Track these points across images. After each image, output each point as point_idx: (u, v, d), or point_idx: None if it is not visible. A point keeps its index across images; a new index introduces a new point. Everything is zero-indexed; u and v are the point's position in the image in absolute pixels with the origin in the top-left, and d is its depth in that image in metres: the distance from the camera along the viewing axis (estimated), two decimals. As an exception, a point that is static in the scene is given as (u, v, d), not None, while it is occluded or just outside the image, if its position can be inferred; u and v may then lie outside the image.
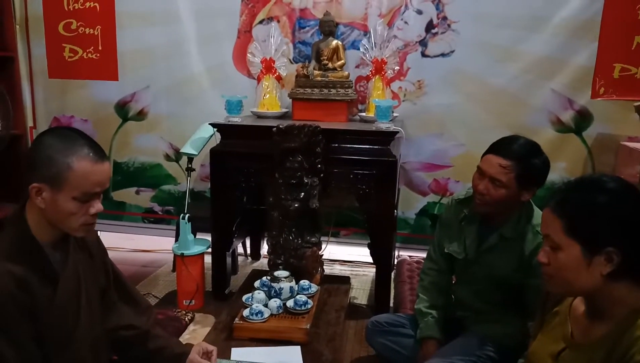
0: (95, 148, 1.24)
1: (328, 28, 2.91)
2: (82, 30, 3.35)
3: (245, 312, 2.00)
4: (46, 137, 1.24)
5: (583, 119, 2.96)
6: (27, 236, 1.24)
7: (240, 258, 3.34)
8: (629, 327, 1.02)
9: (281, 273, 2.20)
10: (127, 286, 1.56)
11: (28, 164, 1.23)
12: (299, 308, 2.04)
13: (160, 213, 3.53)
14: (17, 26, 3.38)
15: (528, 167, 1.65)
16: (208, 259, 2.79)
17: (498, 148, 1.71)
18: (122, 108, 3.41)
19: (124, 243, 3.59)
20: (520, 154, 1.66)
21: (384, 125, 2.55)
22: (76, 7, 3.31)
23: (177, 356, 1.52)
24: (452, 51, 3.01)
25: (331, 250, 3.22)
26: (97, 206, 1.26)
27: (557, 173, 2.95)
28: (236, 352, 1.82)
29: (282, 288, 2.13)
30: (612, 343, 1.04)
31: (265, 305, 2.05)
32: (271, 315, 2.01)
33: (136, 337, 1.49)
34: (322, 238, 2.61)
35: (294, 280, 2.19)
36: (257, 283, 2.24)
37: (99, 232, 3.63)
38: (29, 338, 1.20)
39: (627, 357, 1.00)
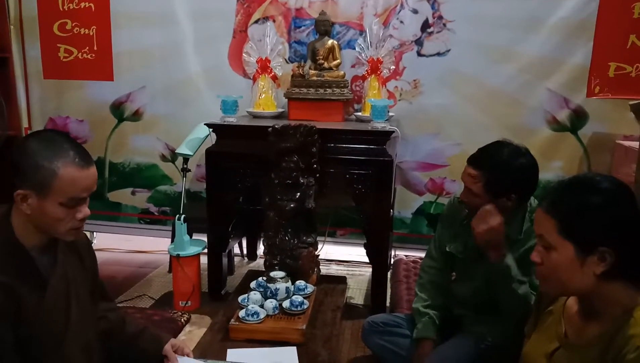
0: (81, 152, 1.22)
1: (324, 27, 2.91)
2: (77, 30, 3.33)
3: (241, 313, 1.99)
4: (30, 142, 1.22)
5: (579, 118, 2.97)
6: (11, 241, 1.22)
7: (236, 259, 3.34)
8: (622, 327, 1.02)
9: (277, 274, 2.20)
10: (103, 283, 1.56)
11: (12, 170, 1.21)
12: (295, 309, 2.04)
13: (156, 213, 3.52)
14: (12, 26, 3.36)
15: (496, 176, 1.63)
16: (204, 260, 2.79)
17: (472, 157, 1.71)
18: (117, 109, 3.40)
19: (119, 244, 3.59)
20: (489, 164, 1.65)
21: (379, 125, 2.55)
22: (71, 7, 3.30)
23: (157, 337, 1.54)
24: (448, 50, 3.01)
25: (327, 250, 3.22)
26: (85, 210, 1.25)
27: (553, 172, 2.96)
28: (232, 353, 1.82)
29: (278, 289, 2.12)
30: (606, 343, 1.04)
31: (261, 306, 2.04)
32: (267, 315, 2.01)
33: (112, 327, 1.50)
34: (319, 238, 2.61)
35: (290, 281, 2.19)
36: (253, 284, 2.24)
37: (94, 233, 3.63)
38: (9, 344, 1.18)
39: (620, 356, 1.00)
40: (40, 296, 1.25)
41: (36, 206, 1.19)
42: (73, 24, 3.33)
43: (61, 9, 3.31)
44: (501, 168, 1.64)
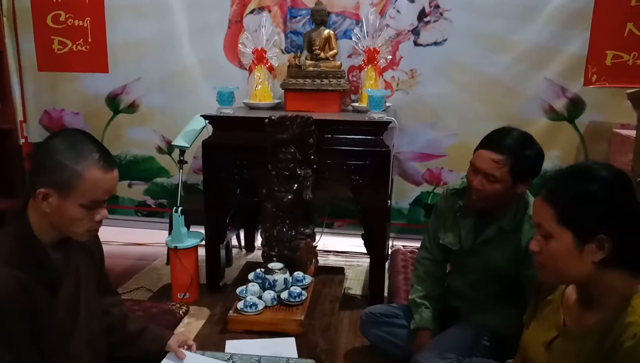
0: (105, 155, 1.23)
1: (320, 17, 2.89)
2: (71, 22, 3.31)
3: (240, 305, 1.99)
4: (55, 141, 1.21)
5: (576, 107, 2.96)
6: (30, 237, 1.22)
7: (234, 250, 3.33)
8: (620, 315, 1.03)
9: (275, 265, 2.20)
10: (108, 277, 1.56)
11: (35, 167, 1.22)
12: (293, 300, 2.04)
13: (153, 206, 3.51)
14: (5, 19, 3.33)
15: (521, 159, 1.64)
16: (202, 251, 2.78)
17: (490, 142, 1.69)
18: (112, 101, 3.39)
19: (117, 237, 3.57)
20: (512, 147, 1.65)
21: (377, 115, 2.53)
22: (65, -1, 3.27)
23: (159, 336, 1.54)
24: (445, 40, 2.99)
25: (325, 241, 3.21)
26: (103, 212, 1.25)
27: (551, 162, 2.96)
28: (231, 345, 1.82)
29: (276, 280, 2.12)
30: (604, 331, 1.05)
31: (260, 297, 2.04)
32: (265, 307, 2.01)
33: (114, 323, 1.50)
34: (316, 229, 2.61)
35: (288, 272, 2.19)
36: (251, 275, 2.24)
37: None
38: (27, 340, 1.19)
39: (617, 343, 1.00)
40: (53, 292, 1.25)
41: (56, 205, 1.19)
42: (67, 16, 3.30)
43: (54, 0, 3.28)
44: (526, 151, 1.65)
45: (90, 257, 1.40)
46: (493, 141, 1.69)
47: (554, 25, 2.87)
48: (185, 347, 1.56)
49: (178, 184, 2.85)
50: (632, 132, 2.48)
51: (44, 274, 1.23)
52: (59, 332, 1.27)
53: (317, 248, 2.59)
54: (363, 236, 2.64)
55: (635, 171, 2.23)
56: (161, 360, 1.49)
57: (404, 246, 3.09)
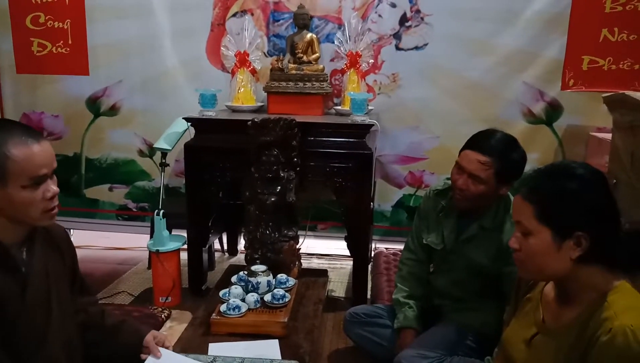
0: (28, 130, 1.21)
1: (302, 21, 2.91)
2: (50, 23, 3.26)
3: (223, 307, 1.98)
4: None
5: (554, 110, 3.02)
6: None
7: (217, 254, 3.32)
8: (596, 310, 1.05)
9: (258, 268, 2.19)
10: (83, 278, 1.53)
11: None
12: (277, 302, 2.03)
13: (134, 209, 3.48)
14: (-18, 20, 3.28)
15: (507, 162, 1.67)
16: (184, 255, 2.76)
17: (476, 143, 1.70)
18: (93, 103, 3.35)
19: (97, 241, 3.53)
20: (498, 150, 1.67)
21: (359, 118, 2.55)
22: (44, 0, 3.23)
23: (137, 330, 1.52)
24: (426, 44, 3.03)
25: (308, 244, 3.22)
26: (52, 188, 1.22)
27: (529, 164, 2.89)
28: (213, 347, 1.81)
29: (260, 283, 2.11)
30: (581, 326, 1.07)
31: (243, 300, 2.04)
32: (249, 309, 2.00)
33: (90, 319, 1.47)
34: (300, 232, 2.61)
35: (271, 274, 2.18)
36: (234, 278, 2.23)
37: (72, 230, 3.56)
38: None
39: (594, 338, 1.03)
40: (20, 292, 1.22)
41: (2, 196, 1.16)
42: (46, 17, 3.25)
43: (34, 1, 3.23)
44: (512, 154, 1.68)
45: (61, 256, 1.37)
46: (480, 142, 1.71)
47: (532, 30, 2.92)
48: (162, 345, 1.54)
49: (159, 188, 2.83)
50: (608, 136, 2.54)
51: (8, 275, 1.20)
52: (31, 334, 1.24)
53: (301, 251, 2.60)
54: (346, 239, 2.66)
55: (611, 173, 2.29)
56: (137, 360, 1.48)
57: (386, 248, 3.11)
